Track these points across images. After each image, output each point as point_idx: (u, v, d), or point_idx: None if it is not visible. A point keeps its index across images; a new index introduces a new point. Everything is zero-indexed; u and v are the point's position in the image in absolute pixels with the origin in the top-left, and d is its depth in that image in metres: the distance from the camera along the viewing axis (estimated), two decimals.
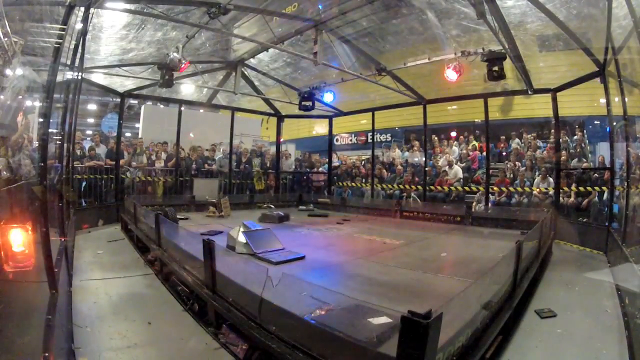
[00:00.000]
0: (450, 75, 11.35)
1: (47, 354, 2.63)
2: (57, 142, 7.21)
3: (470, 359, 3.20)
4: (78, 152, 12.73)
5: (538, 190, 12.36)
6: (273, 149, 19.49)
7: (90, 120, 31.91)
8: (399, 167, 16.69)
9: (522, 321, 4.79)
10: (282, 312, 3.69)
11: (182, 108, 16.11)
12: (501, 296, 4.34)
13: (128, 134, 25.77)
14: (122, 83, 13.57)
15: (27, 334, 3.10)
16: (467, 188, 14.42)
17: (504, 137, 16.47)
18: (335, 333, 3.23)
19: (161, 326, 4.64)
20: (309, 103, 15.40)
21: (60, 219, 6.22)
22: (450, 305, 2.94)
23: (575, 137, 14.18)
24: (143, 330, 4.50)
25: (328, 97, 15.65)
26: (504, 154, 16.02)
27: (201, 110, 19.61)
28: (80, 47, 7.51)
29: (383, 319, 3.59)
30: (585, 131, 14.83)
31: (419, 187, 15.19)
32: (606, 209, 10.07)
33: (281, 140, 19.60)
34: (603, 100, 9.88)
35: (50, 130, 5.21)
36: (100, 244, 9.27)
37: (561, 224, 10.24)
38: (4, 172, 7.46)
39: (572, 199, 11.48)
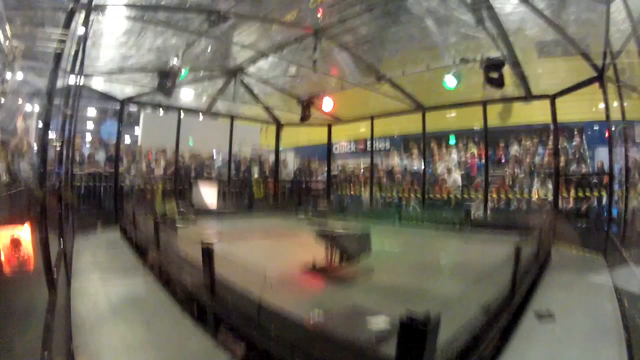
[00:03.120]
0: (449, 82, 11.40)
1: (46, 355, 2.63)
2: (57, 147, 7.22)
3: None
4: (77, 158, 12.76)
5: (537, 196, 12.37)
6: (272, 157, 19.51)
7: (90, 126, 31.98)
8: (398, 175, 16.72)
9: (521, 324, 4.78)
10: (281, 314, 3.69)
11: (182, 115, 16.12)
12: (500, 300, 4.34)
13: (127, 141, 25.82)
14: (122, 90, 13.59)
15: (26, 335, 3.10)
16: (466, 195, 14.44)
17: (503, 145, 16.51)
18: (334, 335, 3.23)
19: (160, 328, 4.64)
20: (307, 111, 15.42)
21: (59, 223, 6.22)
22: (449, 308, 2.95)
23: (574, 142, 14.23)
24: (142, 332, 4.50)
25: (327, 105, 15.65)
26: (502, 161, 16.06)
27: (200, 118, 19.67)
28: (80, 53, 7.53)
29: (382, 322, 3.59)
30: (584, 136, 14.87)
31: (418, 195, 15.20)
32: (605, 213, 10.08)
33: (280, 147, 19.60)
34: (602, 106, 9.88)
35: (50, 134, 5.22)
36: (99, 249, 9.25)
37: (560, 229, 10.23)
38: (4, 176, 7.49)
39: (571, 203, 11.50)
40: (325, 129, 19.22)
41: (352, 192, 18.18)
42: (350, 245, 6.51)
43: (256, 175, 18.08)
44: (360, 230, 6.88)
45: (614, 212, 9.43)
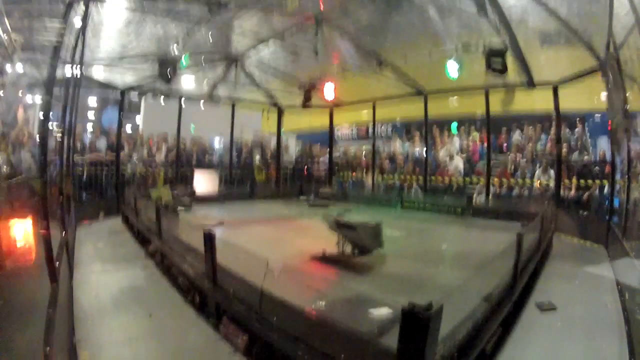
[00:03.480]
0: (452, 71, 11.33)
1: (48, 347, 2.63)
2: (58, 136, 7.20)
3: (470, 352, 3.20)
4: (78, 146, 12.75)
5: (539, 182, 12.35)
6: (274, 142, 19.50)
7: (91, 115, 31.93)
8: (400, 161, 16.69)
9: (523, 314, 4.79)
10: (282, 303, 3.69)
11: (183, 102, 16.06)
12: (501, 289, 4.34)
13: (128, 127, 25.77)
14: (123, 77, 13.52)
15: (29, 327, 3.11)
16: (467, 180, 14.43)
17: (505, 133, 16.41)
18: (336, 324, 3.23)
19: (162, 318, 4.66)
20: (308, 97, 15.36)
21: (60, 213, 6.23)
22: (451, 297, 2.95)
23: (576, 131, 14.19)
24: (144, 323, 4.52)
25: (329, 92, 15.50)
26: (504, 149, 16.00)
27: (202, 104, 19.62)
28: (80, 43, 7.48)
29: (384, 311, 3.59)
30: (586, 126, 14.78)
31: (420, 180, 15.19)
32: (607, 202, 10.06)
33: (282, 132, 19.51)
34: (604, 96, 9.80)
35: (50, 123, 5.21)
36: (101, 237, 9.28)
37: (562, 217, 10.22)
38: (5, 167, 7.48)
39: (572, 192, 11.49)
40: (327, 114, 19.17)
41: (353, 178, 18.17)
42: (365, 238, 6.49)
43: (258, 161, 18.05)
44: (373, 221, 6.80)
45: (616, 202, 9.39)
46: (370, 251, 6.58)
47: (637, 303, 4.57)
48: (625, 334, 4.22)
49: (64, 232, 5.94)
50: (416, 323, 2.39)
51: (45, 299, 3.31)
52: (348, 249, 6.63)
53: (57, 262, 4.09)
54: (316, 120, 21.20)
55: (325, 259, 6.59)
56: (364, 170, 17.92)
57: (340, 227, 6.69)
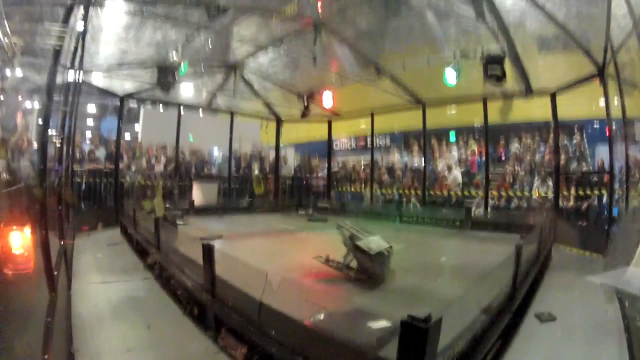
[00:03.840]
0: (450, 78, 11.34)
1: (46, 357, 2.62)
2: (57, 144, 7.18)
3: None
4: (77, 155, 12.74)
5: (537, 194, 12.34)
6: (272, 154, 19.49)
7: (90, 123, 31.94)
8: (398, 172, 16.68)
9: (522, 325, 4.76)
10: (281, 316, 3.68)
11: (182, 111, 16.09)
12: (501, 300, 4.33)
13: (127, 137, 25.76)
14: (122, 85, 13.54)
15: (27, 336, 3.09)
16: (466, 192, 14.42)
17: (503, 142, 16.45)
18: (335, 337, 3.22)
19: (161, 330, 4.62)
20: (307, 106, 15.42)
21: (59, 222, 6.20)
22: (449, 310, 2.94)
23: (575, 140, 14.18)
24: (142, 334, 4.48)
25: (328, 100, 15.54)
26: (503, 159, 16.02)
27: (200, 114, 19.63)
28: (79, 49, 7.48)
29: (383, 323, 3.59)
30: (584, 134, 14.78)
31: (418, 192, 15.19)
32: (606, 212, 10.05)
33: (280, 144, 19.54)
34: (602, 102, 9.82)
35: (50, 131, 5.20)
36: (99, 248, 9.25)
37: (561, 228, 10.20)
38: (4, 174, 7.45)
39: (571, 202, 11.48)
40: (325, 125, 19.21)
41: (352, 189, 18.15)
42: (374, 267, 6.37)
43: (256, 172, 18.03)
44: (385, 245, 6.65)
45: (615, 212, 9.38)
46: (371, 280, 6.47)
47: (637, 311, 4.55)
48: (626, 343, 4.20)
49: (62, 241, 5.92)
50: (415, 335, 2.37)
51: (44, 307, 3.29)
52: (353, 264, 6.54)
53: (56, 271, 4.08)
54: (315, 132, 21.25)
55: (325, 267, 6.57)
56: (363, 183, 17.91)
57: (356, 247, 6.58)
